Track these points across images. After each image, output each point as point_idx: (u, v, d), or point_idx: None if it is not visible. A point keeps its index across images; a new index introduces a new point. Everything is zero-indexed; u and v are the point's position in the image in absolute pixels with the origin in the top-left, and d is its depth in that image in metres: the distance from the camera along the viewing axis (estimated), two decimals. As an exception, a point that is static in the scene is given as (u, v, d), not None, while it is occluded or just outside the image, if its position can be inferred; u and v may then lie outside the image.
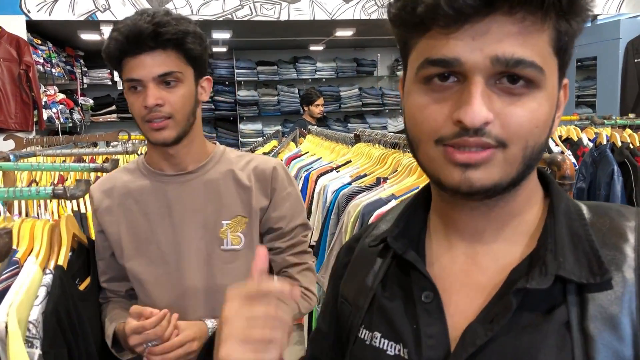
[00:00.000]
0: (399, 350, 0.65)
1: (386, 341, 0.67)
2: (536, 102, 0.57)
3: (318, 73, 7.48)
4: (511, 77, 0.56)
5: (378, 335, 0.68)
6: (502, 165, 0.57)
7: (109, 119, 7.05)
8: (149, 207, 1.31)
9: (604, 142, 2.96)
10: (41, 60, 4.88)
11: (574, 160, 3.23)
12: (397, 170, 2.15)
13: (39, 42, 4.98)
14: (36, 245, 1.26)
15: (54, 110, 5.13)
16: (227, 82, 7.37)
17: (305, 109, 5.74)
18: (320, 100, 5.65)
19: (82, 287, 1.38)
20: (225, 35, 5.73)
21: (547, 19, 0.55)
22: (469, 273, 0.64)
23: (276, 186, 1.34)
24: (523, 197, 0.64)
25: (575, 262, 0.58)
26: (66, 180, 2.32)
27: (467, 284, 0.64)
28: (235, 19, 4.98)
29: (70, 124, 5.66)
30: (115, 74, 6.70)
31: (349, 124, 7.51)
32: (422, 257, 0.68)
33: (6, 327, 1.05)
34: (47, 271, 1.22)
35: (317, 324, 0.84)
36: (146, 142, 1.33)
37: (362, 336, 0.70)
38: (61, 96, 5.46)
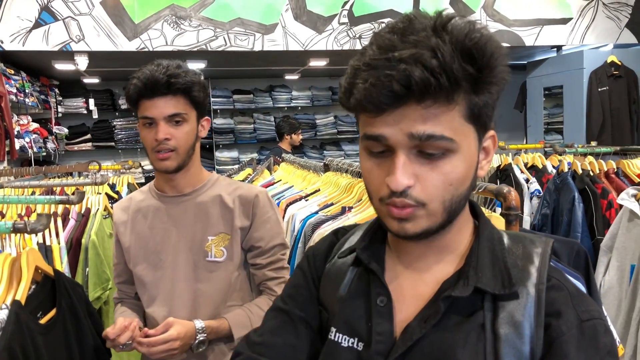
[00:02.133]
0: (352, 343, 0.80)
1: (340, 335, 0.81)
2: (451, 165, 0.70)
3: (294, 101, 7.56)
4: (426, 152, 0.69)
5: (334, 330, 0.82)
6: (426, 218, 0.72)
7: (83, 148, 7.03)
8: (154, 222, 1.59)
9: (566, 169, 3.06)
10: (14, 90, 4.88)
11: (538, 187, 3.32)
12: (361, 199, 2.20)
13: (12, 72, 4.97)
14: (-5, 279, 1.27)
15: (27, 139, 5.10)
16: (203, 111, 7.39)
17: (287, 137, 5.83)
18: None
19: (44, 320, 1.38)
20: (200, 65, 5.80)
21: (454, 100, 0.67)
22: (414, 286, 0.79)
23: (257, 211, 1.58)
24: (455, 229, 0.78)
25: (492, 277, 0.74)
26: (34, 211, 2.32)
27: (412, 294, 0.79)
28: (209, 49, 5.05)
29: (44, 153, 5.63)
30: (91, 102, 6.72)
31: (324, 151, 7.58)
32: (382, 269, 0.82)
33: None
34: (3, 306, 1.23)
35: (280, 302, 0.92)
36: (153, 170, 1.61)
37: (330, 336, 0.83)
38: (35, 125, 5.44)
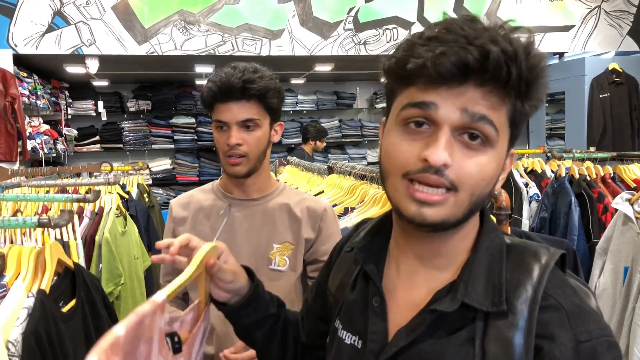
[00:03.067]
0: (354, 341, 0.82)
1: (345, 332, 0.85)
2: (487, 158, 0.70)
3: (299, 105, 7.66)
4: (471, 135, 0.69)
5: (340, 326, 0.86)
6: (452, 207, 0.70)
7: (92, 149, 7.14)
8: (216, 223, 1.55)
9: (563, 174, 3.14)
10: (27, 93, 4.99)
11: (537, 191, 3.40)
12: (363, 201, 2.29)
13: (25, 74, 5.09)
14: (22, 270, 1.37)
15: (38, 140, 5.22)
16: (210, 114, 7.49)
17: (311, 142, 6.07)
18: None
19: (65, 309, 1.48)
20: (208, 69, 5.90)
21: (507, 98, 0.69)
22: (408, 289, 0.79)
23: (323, 225, 1.59)
24: (460, 235, 0.77)
25: (483, 292, 0.71)
26: (50, 210, 2.42)
27: (406, 298, 0.79)
28: (217, 54, 5.15)
29: (54, 154, 5.74)
30: (100, 105, 6.83)
31: (329, 155, 7.67)
32: (381, 270, 0.83)
33: (-6, 344, 1.16)
34: (30, 294, 1.32)
35: (305, 297, 1.08)
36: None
37: (336, 325, 0.88)
38: (45, 127, 5.56)
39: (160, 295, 0.69)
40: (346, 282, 0.89)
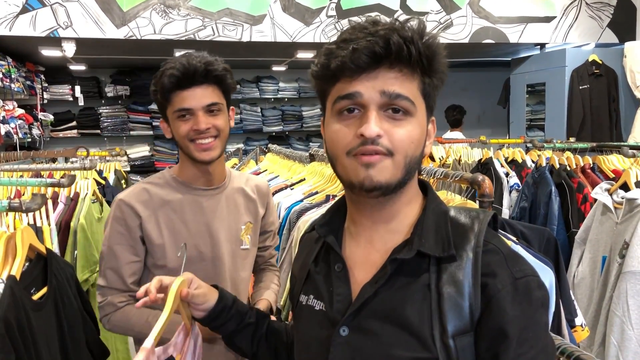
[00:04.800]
0: (322, 306, 0.93)
1: (315, 300, 0.95)
2: (411, 125, 0.84)
3: (281, 93, 7.61)
4: (394, 109, 0.84)
5: (311, 297, 0.96)
6: (391, 168, 0.83)
7: (69, 135, 7.01)
8: (187, 216, 1.56)
9: (544, 164, 3.15)
10: (0, 75, 4.86)
11: (517, 180, 3.41)
12: (345, 188, 2.26)
13: (-1, 57, 4.96)
14: (-9, 255, 1.32)
15: (12, 125, 5.09)
16: (189, 100, 7.41)
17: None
18: None
19: (36, 296, 1.43)
20: (188, 54, 5.81)
21: (415, 73, 0.84)
22: (367, 253, 0.91)
23: (268, 199, 1.75)
24: (405, 200, 0.90)
25: (434, 243, 0.85)
26: (23, 194, 2.35)
27: (366, 261, 0.91)
28: (197, 39, 5.07)
29: (29, 140, 5.62)
30: (77, 89, 6.69)
31: (310, 143, 7.64)
32: (340, 242, 0.95)
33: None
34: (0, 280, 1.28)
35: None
36: (179, 159, 1.61)
37: (301, 300, 0.98)
38: (20, 111, 5.42)
39: (148, 342, 0.80)
40: (307, 261, 1.00)
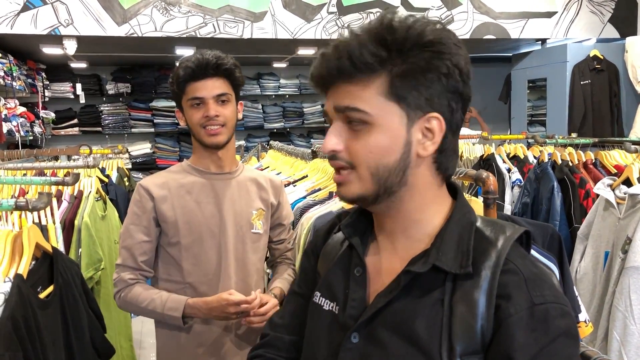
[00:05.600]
0: (332, 307, 0.91)
1: (324, 299, 0.93)
2: (371, 136, 0.82)
3: (282, 89, 7.60)
4: (349, 121, 0.83)
5: (318, 294, 0.95)
6: (357, 182, 0.83)
7: (70, 133, 7.01)
8: (199, 197, 1.70)
9: (546, 159, 3.15)
10: (1, 73, 4.86)
11: (519, 176, 3.41)
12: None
13: (0, 55, 4.96)
14: (-2, 254, 1.33)
15: (14, 123, 5.10)
16: (190, 97, 7.41)
17: None
18: None
19: (43, 295, 1.44)
20: (188, 51, 5.80)
21: (370, 81, 0.80)
22: (389, 261, 0.88)
23: (281, 193, 1.88)
24: (417, 205, 0.86)
25: (453, 258, 0.80)
26: (27, 193, 2.36)
27: (386, 267, 0.88)
28: (198, 36, 5.07)
29: (31, 137, 5.62)
30: (78, 87, 6.69)
31: (311, 139, 7.64)
32: (365, 244, 0.92)
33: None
34: (7, 279, 1.28)
35: (296, 287, 1.08)
36: (192, 149, 1.76)
37: (314, 298, 0.96)
38: (22, 109, 5.43)
39: None
40: (332, 264, 0.97)
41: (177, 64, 1.67)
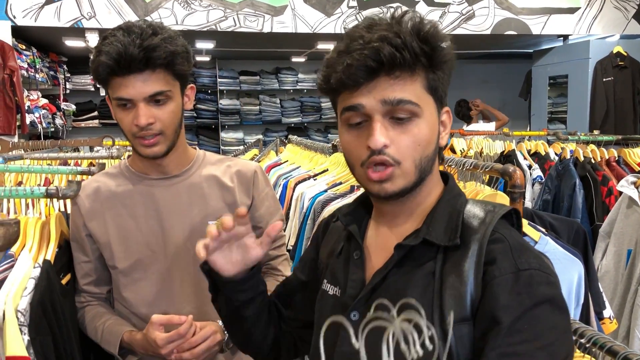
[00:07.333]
0: (335, 291, 0.96)
1: (329, 285, 0.98)
2: (417, 127, 0.85)
3: (300, 84, 7.61)
4: (398, 115, 0.83)
5: (325, 281, 0.99)
6: (402, 177, 0.85)
7: (90, 125, 7.09)
8: (136, 210, 1.37)
9: (568, 156, 3.12)
10: (25, 65, 4.93)
11: (540, 173, 3.39)
12: (370, 179, 2.27)
13: (24, 47, 5.03)
14: (28, 240, 1.35)
15: (37, 114, 5.17)
16: (209, 91, 7.46)
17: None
18: None
19: (64, 281, 1.46)
20: (208, 45, 5.84)
21: (416, 73, 0.84)
22: (385, 242, 0.92)
23: (257, 188, 1.44)
24: (425, 192, 0.91)
25: (443, 232, 0.86)
26: (52, 183, 2.39)
27: (383, 248, 0.92)
28: (219, 29, 5.09)
29: (52, 129, 5.70)
30: (99, 80, 6.74)
31: (329, 134, 7.64)
32: (363, 232, 0.97)
33: (3, 314, 1.14)
34: (36, 265, 1.30)
35: (294, 272, 1.14)
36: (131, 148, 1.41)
37: (323, 286, 1.00)
38: (44, 101, 5.51)
39: None
40: (335, 248, 1.01)
41: (96, 47, 1.25)
